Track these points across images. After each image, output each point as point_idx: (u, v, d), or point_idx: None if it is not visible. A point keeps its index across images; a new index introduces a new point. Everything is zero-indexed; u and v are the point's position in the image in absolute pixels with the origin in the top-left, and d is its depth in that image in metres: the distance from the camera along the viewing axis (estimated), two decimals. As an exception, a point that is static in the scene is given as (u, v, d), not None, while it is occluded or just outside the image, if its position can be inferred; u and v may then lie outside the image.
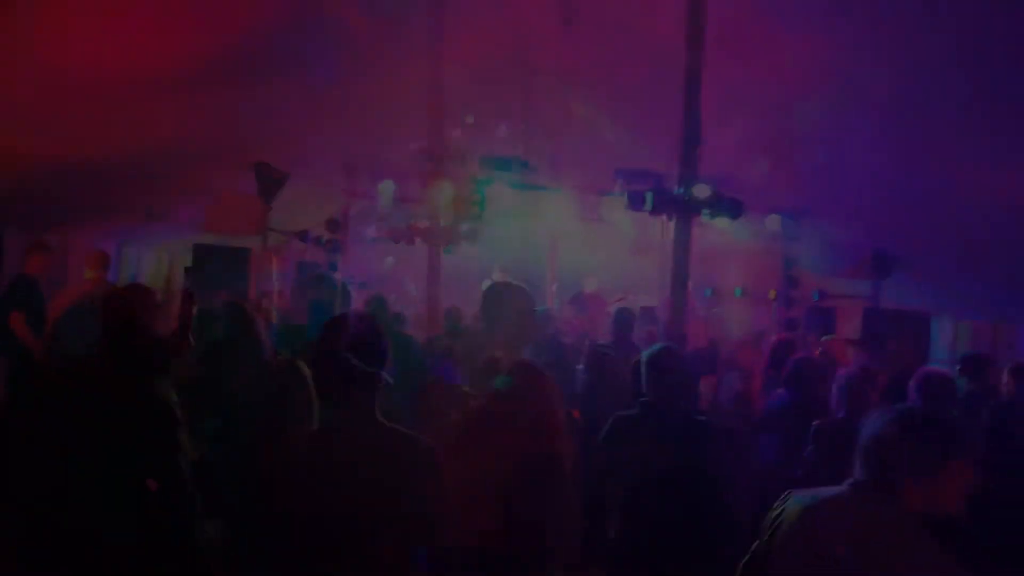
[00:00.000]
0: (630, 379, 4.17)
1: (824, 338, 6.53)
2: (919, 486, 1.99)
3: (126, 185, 8.37)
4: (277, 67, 7.01)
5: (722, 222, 6.67)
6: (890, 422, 2.07)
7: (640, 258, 13.22)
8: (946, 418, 2.15)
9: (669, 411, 3.43)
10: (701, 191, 5.86)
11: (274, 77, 7.19)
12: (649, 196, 6.02)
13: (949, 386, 3.96)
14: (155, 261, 12.12)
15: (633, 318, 6.18)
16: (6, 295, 6.71)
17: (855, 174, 8.53)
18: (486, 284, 3.47)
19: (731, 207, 6.01)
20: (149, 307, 4.33)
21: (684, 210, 5.88)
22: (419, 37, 8.13)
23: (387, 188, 10.28)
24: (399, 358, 4.37)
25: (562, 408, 2.69)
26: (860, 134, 7.62)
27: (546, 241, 11.48)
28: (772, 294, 11.72)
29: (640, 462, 3.33)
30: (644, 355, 3.62)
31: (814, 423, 4.02)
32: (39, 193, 7.82)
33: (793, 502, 2.20)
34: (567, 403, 8.85)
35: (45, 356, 6.18)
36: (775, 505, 2.26)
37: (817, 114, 7.68)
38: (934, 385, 3.83)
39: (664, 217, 6.26)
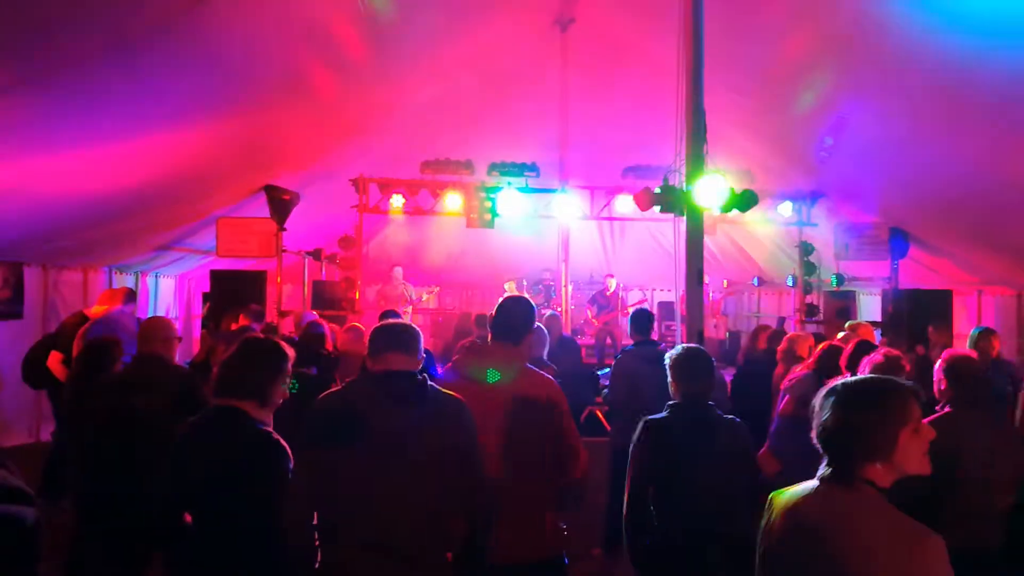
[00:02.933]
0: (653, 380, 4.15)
1: (848, 323, 6.44)
2: (879, 466, 1.97)
3: (140, 216, 8.46)
4: (280, 91, 7.05)
5: (734, 213, 6.63)
6: (830, 411, 2.02)
7: (656, 253, 13.25)
8: (881, 388, 2.05)
9: (697, 412, 3.42)
10: (710, 185, 5.80)
11: (278, 100, 7.23)
12: (658, 194, 5.99)
13: (975, 368, 3.87)
14: (172, 290, 12.22)
15: (651, 319, 6.14)
16: (56, 331, 6.79)
17: (866, 155, 8.47)
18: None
19: (743, 200, 5.95)
20: (169, 339, 4.40)
21: (694, 206, 5.83)
22: (422, 54, 8.17)
23: (397, 201, 10.33)
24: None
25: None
26: (869, 113, 7.55)
27: (559, 243, 11.48)
28: (789, 281, 11.66)
29: (671, 464, 3.33)
30: (668, 357, 3.59)
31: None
32: (55, 230, 7.92)
33: (773, 504, 2.18)
34: (585, 402, 8.74)
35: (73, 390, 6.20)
36: (765, 511, 2.23)
37: (825, 96, 7.65)
38: (961, 369, 3.75)
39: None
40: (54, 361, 6.45)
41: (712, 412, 3.45)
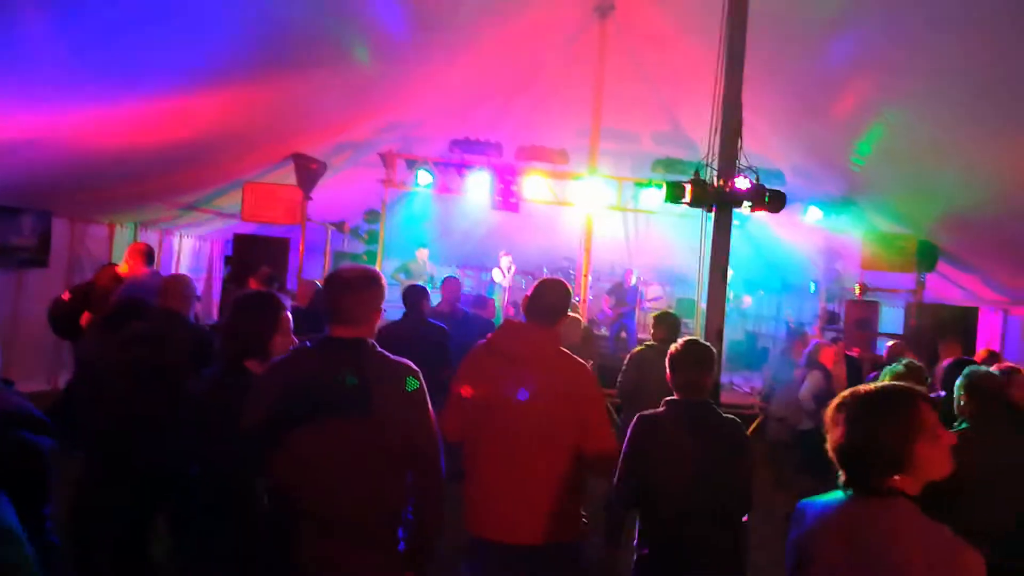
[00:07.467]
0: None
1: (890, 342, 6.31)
2: (901, 478, 1.88)
3: (167, 175, 8.51)
4: (315, 60, 7.04)
5: (763, 214, 6.56)
6: (843, 427, 1.95)
7: (680, 248, 13.15)
8: (887, 399, 1.95)
9: (695, 410, 3.36)
10: (742, 183, 5.73)
11: (312, 69, 7.23)
12: (688, 188, 5.92)
13: (995, 384, 3.77)
14: (196, 250, 12.32)
15: (678, 322, 5.98)
16: (86, 288, 6.84)
17: (901, 165, 8.33)
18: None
19: (773, 200, 5.87)
20: (188, 296, 4.43)
21: (724, 203, 5.77)
22: (460, 34, 8.12)
23: (424, 178, 10.32)
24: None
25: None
26: (903, 121, 7.42)
27: (581, 232, 11.42)
28: (812, 287, 11.55)
29: (665, 460, 3.27)
30: (671, 350, 3.54)
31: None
32: (83, 183, 7.99)
33: (805, 515, 2.09)
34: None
35: (95, 342, 6.26)
36: (792, 522, 2.14)
37: (859, 101, 7.52)
38: (979, 385, 3.67)
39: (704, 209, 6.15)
40: (87, 321, 6.51)
41: (711, 410, 3.38)
